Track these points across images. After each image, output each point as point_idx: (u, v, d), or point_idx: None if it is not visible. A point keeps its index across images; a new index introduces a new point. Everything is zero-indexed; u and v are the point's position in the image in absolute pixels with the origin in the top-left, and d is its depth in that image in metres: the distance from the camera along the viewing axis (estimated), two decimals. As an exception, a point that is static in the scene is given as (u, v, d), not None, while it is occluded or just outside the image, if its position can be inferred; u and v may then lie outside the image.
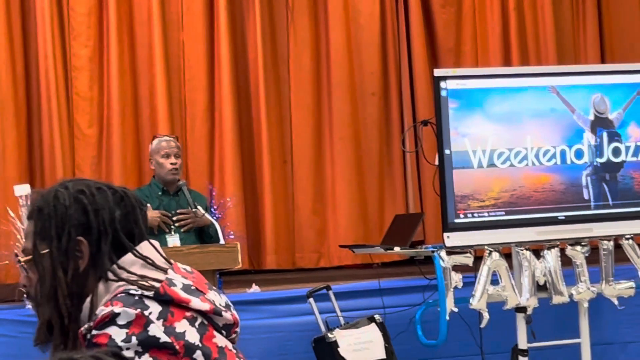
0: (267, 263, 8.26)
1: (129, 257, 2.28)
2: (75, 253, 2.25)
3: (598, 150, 5.94)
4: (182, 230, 6.20)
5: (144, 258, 2.29)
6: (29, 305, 6.13)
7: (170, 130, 7.81)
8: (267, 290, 6.53)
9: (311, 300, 5.69)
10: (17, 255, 2.32)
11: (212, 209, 6.85)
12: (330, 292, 5.83)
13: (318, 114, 8.54)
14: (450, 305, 5.48)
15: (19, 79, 7.86)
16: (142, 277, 2.24)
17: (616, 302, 5.86)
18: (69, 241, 2.25)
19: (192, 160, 8.21)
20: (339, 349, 5.44)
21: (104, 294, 2.23)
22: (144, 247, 2.32)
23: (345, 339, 5.49)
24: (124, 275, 2.24)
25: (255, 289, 6.48)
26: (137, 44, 8.19)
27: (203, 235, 6.30)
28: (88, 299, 2.23)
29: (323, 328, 5.60)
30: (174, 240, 6.16)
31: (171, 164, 6.30)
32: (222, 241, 5.86)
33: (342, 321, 5.71)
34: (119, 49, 8.05)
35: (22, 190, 6.34)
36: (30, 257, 2.27)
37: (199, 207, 6.14)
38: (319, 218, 8.45)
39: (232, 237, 6.97)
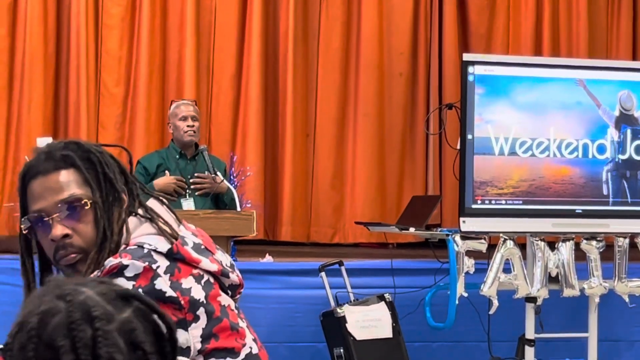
0: (282, 234, 8.29)
1: (151, 200, 2.37)
2: (122, 199, 2.31)
3: (621, 146, 5.92)
4: (196, 194, 6.23)
5: (169, 207, 2.38)
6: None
7: (196, 95, 7.85)
8: (280, 261, 6.56)
9: (323, 274, 5.71)
10: (76, 200, 2.27)
11: (232, 176, 6.87)
12: (343, 268, 5.85)
13: (344, 90, 8.53)
14: (460, 289, 5.49)
15: (50, 34, 7.89)
16: (166, 222, 2.30)
17: (627, 300, 5.86)
18: (119, 187, 2.31)
19: (215, 127, 8.24)
20: (346, 325, 5.46)
21: (136, 227, 2.29)
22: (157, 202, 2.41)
23: (353, 315, 5.51)
24: (154, 215, 2.31)
25: (268, 259, 6.51)
26: (169, 7, 8.20)
27: (219, 202, 6.33)
28: (117, 233, 2.28)
29: (332, 303, 5.62)
30: (188, 204, 6.19)
31: (188, 126, 6.34)
32: (238, 209, 5.89)
33: (352, 297, 5.74)
34: (151, 10, 8.07)
35: (45, 143, 6.37)
36: (90, 200, 2.27)
37: (218, 172, 6.17)
38: (337, 194, 8.46)
39: (249, 205, 7.00)
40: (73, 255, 2.29)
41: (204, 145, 6.52)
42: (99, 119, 7.95)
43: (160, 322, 1.39)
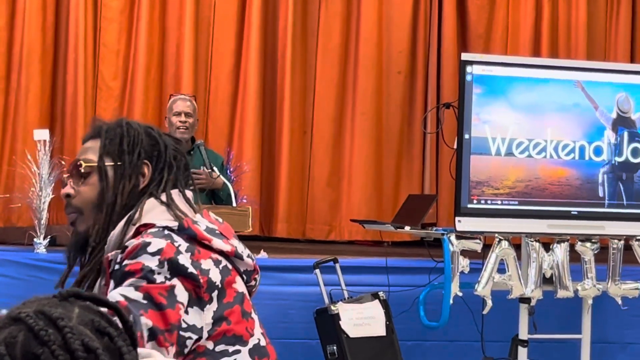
0: (277, 231, 8.29)
1: (175, 191, 2.46)
2: (139, 172, 2.44)
3: (617, 149, 5.92)
4: (191, 189, 6.21)
5: (185, 197, 2.47)
6: (38, 250, 6.17)
7: (194, 90, 7.84)
8: (275, 257, 6.56)
9: (317, 271, 5.70)
10: (77, 161, 2.46)
11: (228, 172, 6.87)
12: (337, 265, 5.84)
13: (342, 88, 8.53)
14: (455, 289, 5.49)
15: (49, 26, 7.88)
16: (177, 207, 2.40)
17: (620, 302, 5.86)
18: (138, 159, 2.44)
19: (212, 122, 8.24)
20: (340, 322, 5.45)
21: (152, 208, 2.39)
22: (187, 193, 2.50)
23: (347, 313, 5.51)
24: (172, 202, 2.41)
25: (263, 255, 6.50)
26: (169, 1, 8.21)
27: (215, 197, 6.32)
28: (133, 210, 2.38)
29: (327, 300, 5.62)
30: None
31: (180, 122, 6.34)
32: (234, 204, 5.88)
33: (346, 295, 5.73)
34: (150, 3, 8.08)
35: (42, 135, 6.38)
36: (93, 164, 2.44)
37: (214, 168, 6.16)
38: (334, 191, 8.46)
39: (245, 201, 6.99)
40: (71, 215, 2.47)
41: (200, 139, 6.52)
42: (96, 111, 7.94)
43: (106, 308, 1.41)
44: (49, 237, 6.18)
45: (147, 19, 8.05)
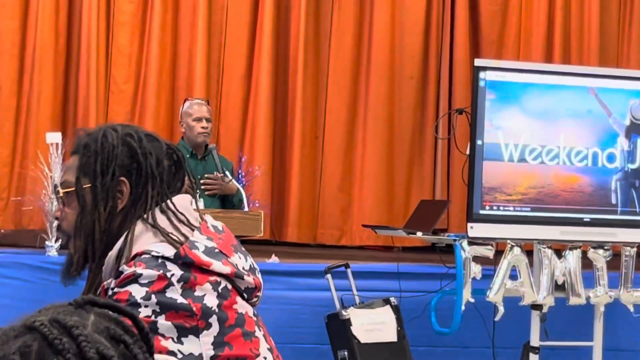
0: (288, 235, 8.28)
1: (164, 206, 2.33)
2: (116, 192, 2.31)
3: (630, 156, 5.90)
4: (206, 193, 6.22)
5: (176, 212, 2.33)
6: (49, 252, 6.18)
7: (206, 94, 7.84)
8: (286, 262, 6.55)
9: (329, 276, 5.69)
10: (56, 187, 2.39)
11: (240, 176, 6.86)
12: (349, 271, 5.83)
13: (354, 93, 8.52)
14: (467, 295, 5.48)
15: (61, 29, 7.90)
16: (170, 233, 2.28)
17: (632, 309, 5.84)
18: (112, 180, 2.30)
19: (224, 126, 8.24)
20: (351, 327, 5.45)
21: (141, 234, 2.27)
22: (180, 201, 2.37)
23: (358, 318, 5.50)
24: (160, 225, 2.29)
25: (274, 259, 6.50)
26: (181, 5, 8.22)
27: (226, 202, 6.32)
28: (123, 237, 2.27)
29: (338, 305, 5.61)
30: (199, 204, 6.18)
31: (202, 127, 6.32)
32: (246, 209, 5.88)
33: (357, 300, 5.72)
34: (162, 7, 8.08)
35: (54, 138, 6.38)
36: (71, 189, 2.33)
37: (227, 172, 6.16)
38: (345, 196, 8.45)
39: (257, 205, 6.99)
40: (62, 238, 2.42)
41: (213, 144, 6.51)
42: (108, 115, 7.95)
43: (122, 316, 1.40)
44: (61, 239, 6.18)
45: (160, 23, 8.06)
